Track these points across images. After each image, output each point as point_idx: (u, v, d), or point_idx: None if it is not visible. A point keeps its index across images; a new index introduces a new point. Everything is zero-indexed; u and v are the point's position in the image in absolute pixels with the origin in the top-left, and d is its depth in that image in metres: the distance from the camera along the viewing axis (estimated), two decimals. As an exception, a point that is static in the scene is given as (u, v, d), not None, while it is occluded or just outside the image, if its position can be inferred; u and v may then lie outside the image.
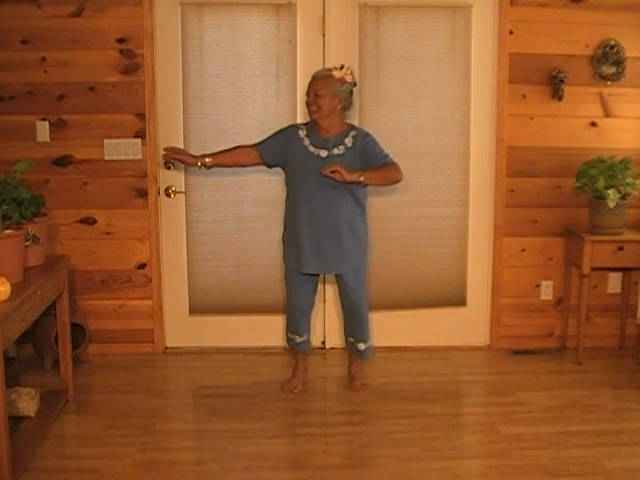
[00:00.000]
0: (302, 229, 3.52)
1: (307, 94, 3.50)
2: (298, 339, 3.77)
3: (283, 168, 3.60)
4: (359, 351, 3.75)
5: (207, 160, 3.53)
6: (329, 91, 3.43)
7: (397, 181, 3.50)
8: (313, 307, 3.81)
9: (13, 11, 3.92)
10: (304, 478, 2.90)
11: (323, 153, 3.47)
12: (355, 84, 3.56)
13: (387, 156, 3.52)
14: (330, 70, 3.51)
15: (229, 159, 3.60)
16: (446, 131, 4.24)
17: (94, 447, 3.12)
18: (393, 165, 3.48)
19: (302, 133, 3.54)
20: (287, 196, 3.63)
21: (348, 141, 3.50)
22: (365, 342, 3.74)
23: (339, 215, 3.49)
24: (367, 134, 3.55)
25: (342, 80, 3.48)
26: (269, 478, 2.91)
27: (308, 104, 3.49)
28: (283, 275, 3.76)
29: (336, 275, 3.66)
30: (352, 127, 3.59)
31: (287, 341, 3.85)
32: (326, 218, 3.49)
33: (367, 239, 3.66)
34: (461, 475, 2.93)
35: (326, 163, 3.42)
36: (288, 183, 3.60)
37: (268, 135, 3.60)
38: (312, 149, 3.50)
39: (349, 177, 3.33)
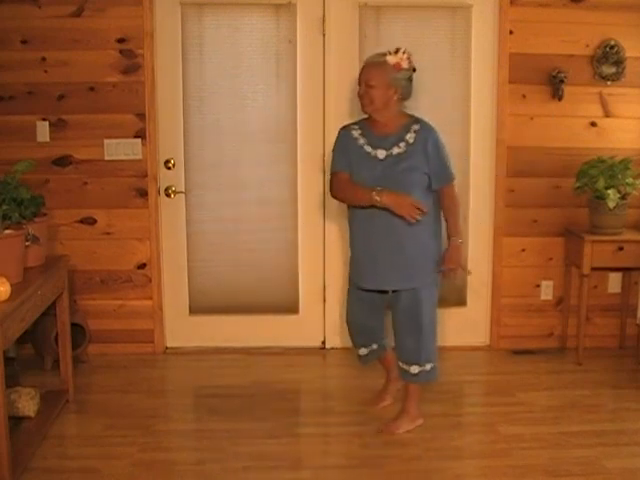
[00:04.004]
0: (358, 241, 3.19)
1: (359, 84, 3.09)
2: (361, 351, 3.45)
3: None
4: (405, 372, 3.24)
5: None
6: (382, 81, 3.02)
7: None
8: (373, 325, 3.37)
9: (13, 11, 3.92)
10: (304, 478, 2.91)
11: (381, 154, 3.06)
12: (414, 69, 3.11)
13: (446, 170, 3.13)
14: (383, 55, 3.07)
15: None
16: (446, 131, 4.20)
17: (94, 447, 3.12)
18: (452, 196, 3.17)
19: (356, 133, 3.15)
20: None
21: (410, 137, 3.07)
22: (416, 364, 3.20)
23: (395, 230, 3.08)
24: (431, 130, 3.11)
25: (397, 67, 3.04)
26: (269, 478, 2.90)
27: (360, 96, 3.09)
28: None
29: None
30: (414, 119, 3.14)
31: None
32: (381, 232, 3.09)
33: (432, 256, 3.19)
34: (461, 475, 2.93)
35: (384, 165, 3.04)
36: None
37: (333, 155, 3.23)
38: (368, 149, 3.09)
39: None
